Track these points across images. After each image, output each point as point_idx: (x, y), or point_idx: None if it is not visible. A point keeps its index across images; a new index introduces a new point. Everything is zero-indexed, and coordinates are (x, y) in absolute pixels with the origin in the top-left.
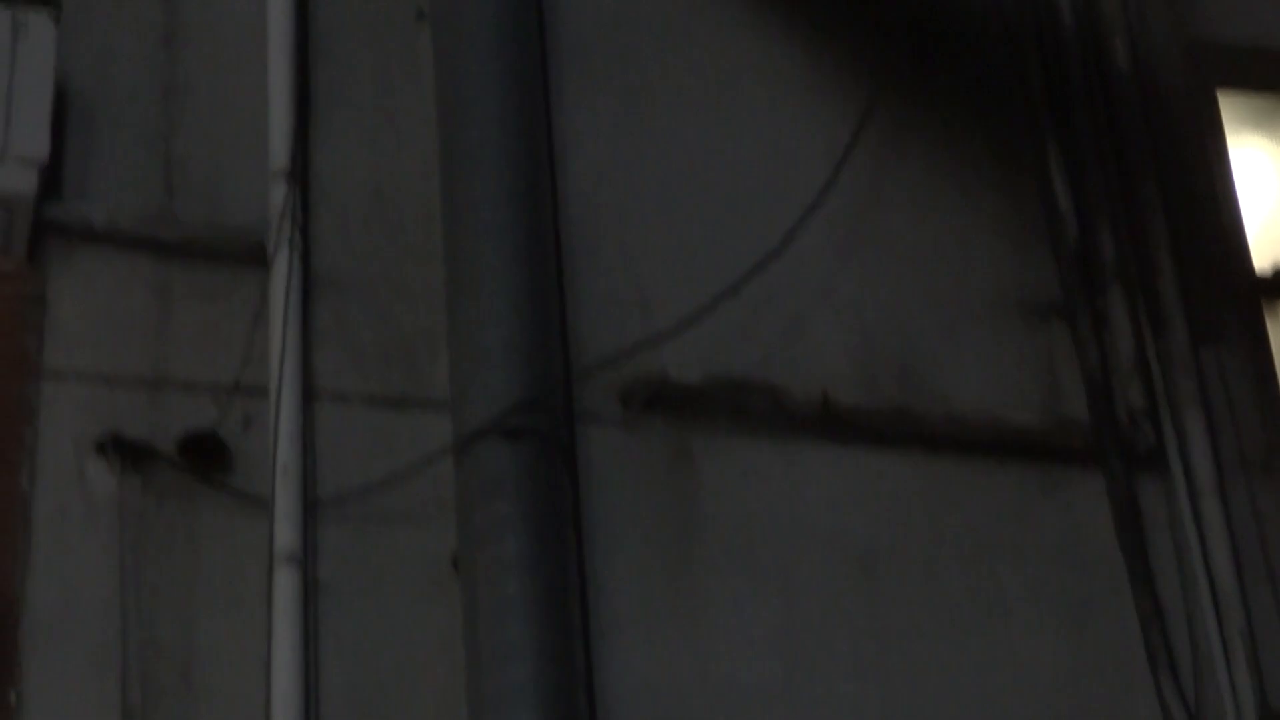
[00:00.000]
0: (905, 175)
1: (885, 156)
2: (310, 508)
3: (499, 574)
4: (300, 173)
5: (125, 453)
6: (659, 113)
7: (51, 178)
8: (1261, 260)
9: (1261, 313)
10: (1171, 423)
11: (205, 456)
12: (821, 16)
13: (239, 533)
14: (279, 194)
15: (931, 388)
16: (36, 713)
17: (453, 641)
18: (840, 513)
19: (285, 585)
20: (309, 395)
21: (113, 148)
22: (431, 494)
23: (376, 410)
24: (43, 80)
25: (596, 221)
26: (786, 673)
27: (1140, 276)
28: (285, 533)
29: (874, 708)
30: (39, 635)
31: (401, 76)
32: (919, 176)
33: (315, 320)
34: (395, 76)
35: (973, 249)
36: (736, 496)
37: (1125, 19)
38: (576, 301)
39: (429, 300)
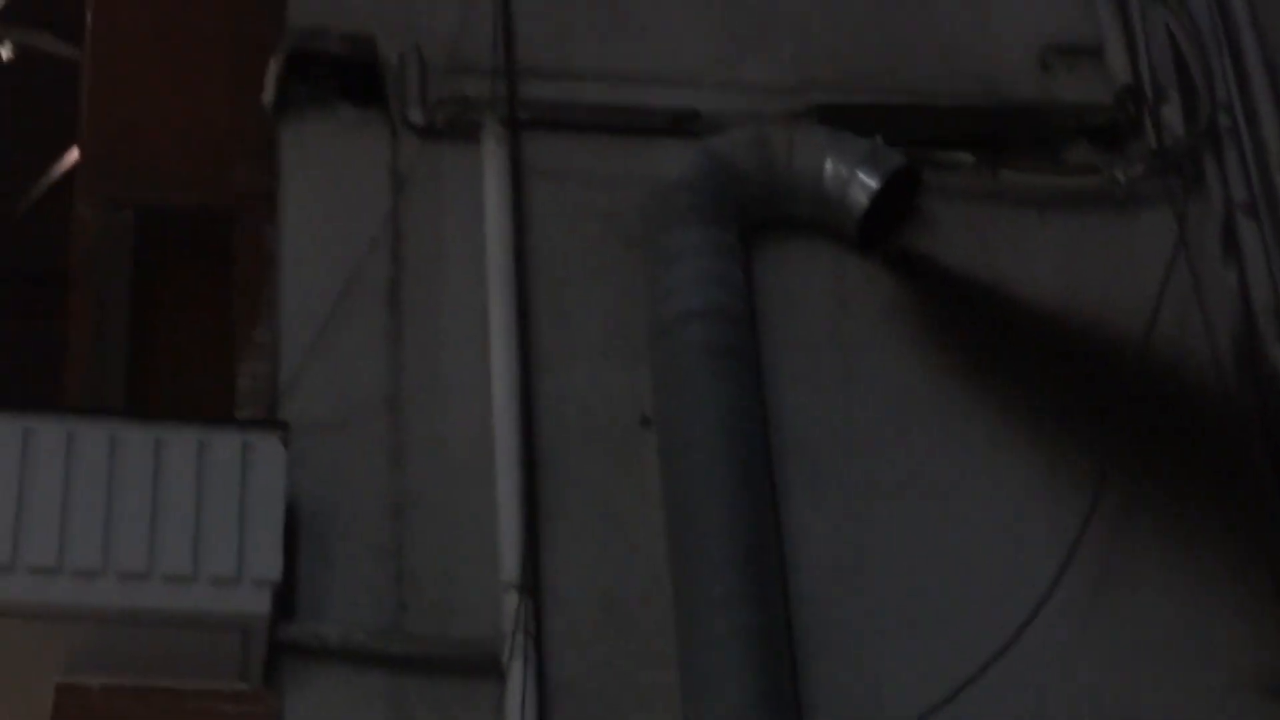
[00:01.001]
0: (1136, 555)
1: (1115, 537)
2: None
3: None
4: (531, 583)
5: None
6: (885, 509)
7: (285, 597)
8: None
9: None
10: None
11: None
12: (1044, 401)
13: None
14: (511, 605)
15: None
16: None
17: None
18: None
19: None
20: None
21: (345, 565)
22: None
23: None
24: (274, 502)
25: (829, 619)
26: None
27: None
28: None
29: None
30: None
31: (628, 482)
32: (1150, 556)
33: None
34: (622, 482)
35: (1209, 630)
36: None
37: None
38: (812, 703)
39: (665, 705)
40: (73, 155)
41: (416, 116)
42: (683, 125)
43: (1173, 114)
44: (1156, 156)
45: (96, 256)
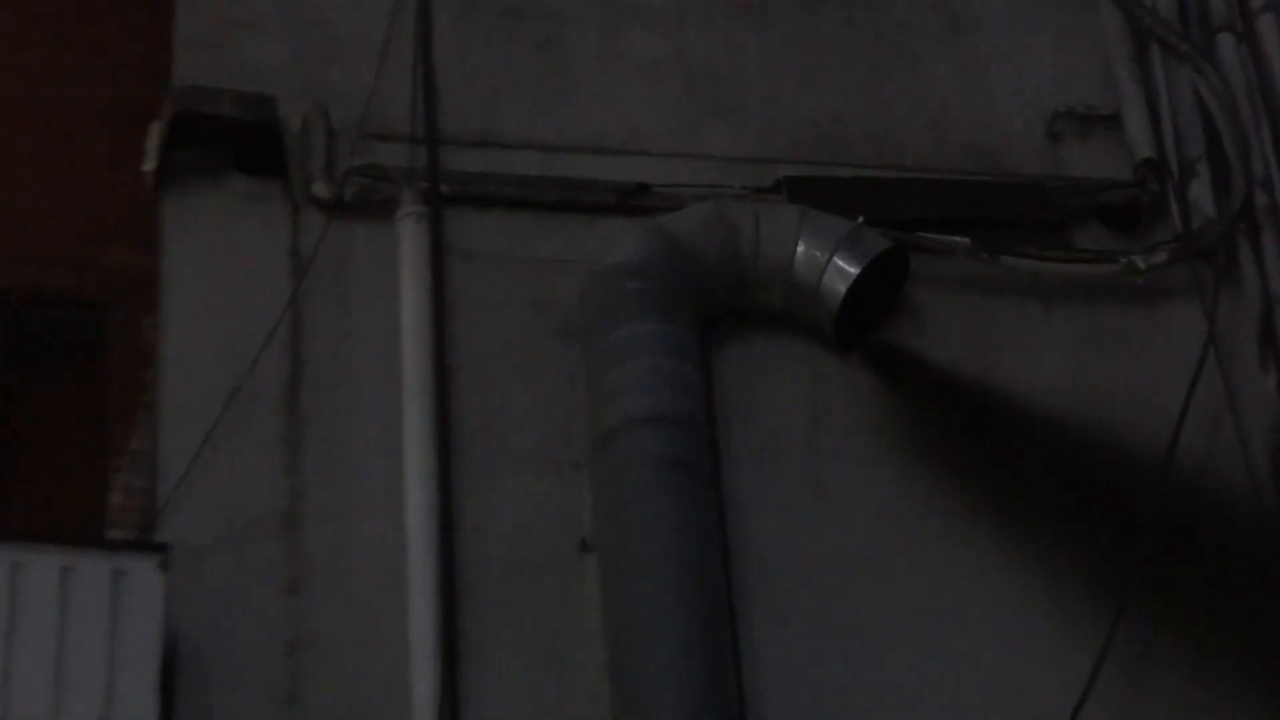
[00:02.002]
0: (1157, 698)
1: (1133, 679)
2: None
3: None
4: None
5: None
6: (863, 644)
7: None
8: None
9: None
10: None
11: None
12: (1050, 522)
13: None
14: None
15: None
16: None
17: None
18: None
19: None
20: None
21: (232, 710)
22: None
23: None
24: (149, 637)
25: None
26: None
27: None
28: None
29: None
30: None
31: (564, 616)
32: (1173, 700)
33: None
34: (556, 616)
35: None
36: None
37: None
38: None
39: None
40: None
41: (322, 190)
42: (630, 200)
43: (1202, 191)
44: (1183, 241)
45: None
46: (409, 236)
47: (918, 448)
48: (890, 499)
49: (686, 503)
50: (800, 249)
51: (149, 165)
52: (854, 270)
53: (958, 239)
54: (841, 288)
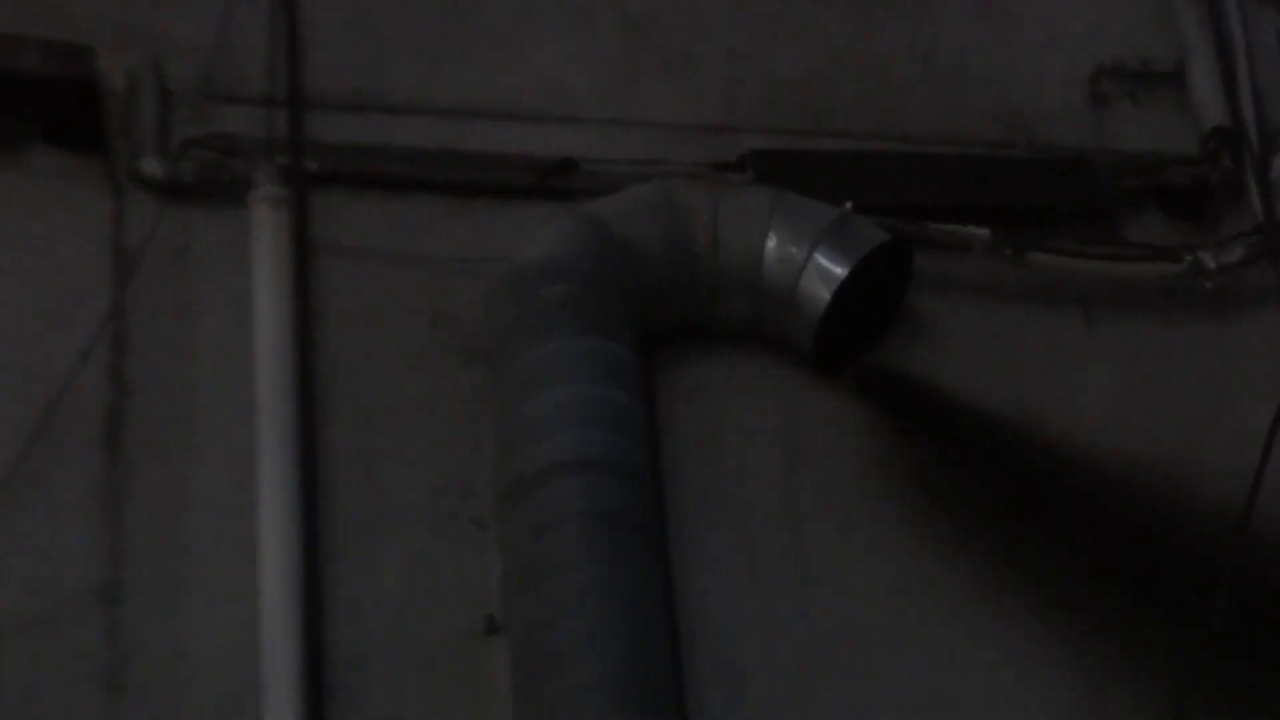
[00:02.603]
0: None
1: None
2: None
3: None
4: None
5: None
6: None
7: None
8: None
9: None
10: None
11: None
12: (1090, 595)
13: None
14: None
15: None
16: None
17: None
18: None
19: None
20: None
21: None
22: None
23: None
24: None
25: None
26: None
27: None
28: None
29: None
30: None
31: (465, 713)
32: None
33: None
34: (455, 713)
35: None
36: None
37: None
38: None
39: None
40: None
41: (153, 166)
42: (552, 180)
43: None
44: (1262, 233)
45: None
46: (265, 227)
47: (923, 501)
48: (887, 567)
49: (624, 572)
50: (771, 244)
51: None
52: (841, 271)
53: (976, 230)
54: (825, 293)
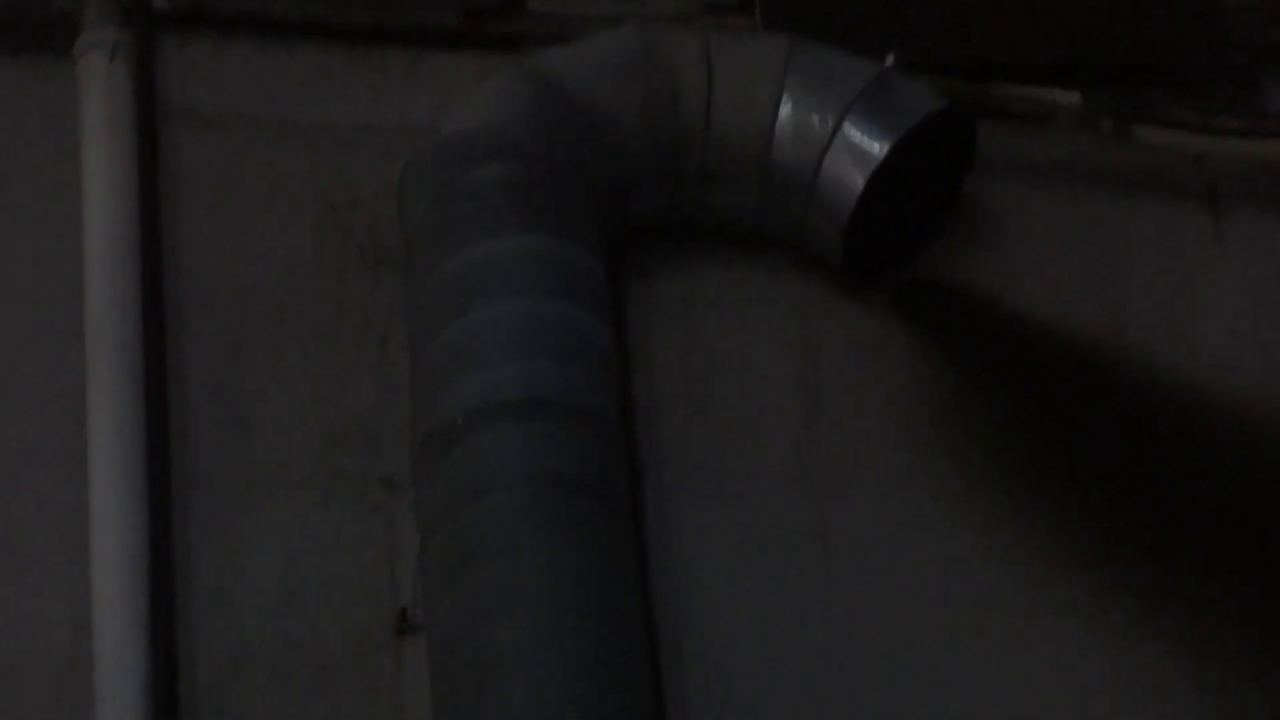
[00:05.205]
0: None
1: None
2: None
3: None
4: None
5: None
6: None
7: None
8: None
9: None
10: None
11: None
12: (1218, 586)
13: None
14: None
15: None
16: None
17: None
18: None
19: None
20: None
21: None
22: None
23: None
24: None
25: None
26: None
27: None
28: None
29: None
30: None
31: None
32: None
33: None
34: None
35: None
36: None
37: None
38: None
39: None
40: None
41: None
42: (487, 25)
43: None
44: None
45: None
46: (97, 85)
47: (986, 460)
48: (936, 548)
49: (583, 554)
50: (785, 111)
51: None
52: (878, 149)
53: (1063, 95)
54: (858, 179)
